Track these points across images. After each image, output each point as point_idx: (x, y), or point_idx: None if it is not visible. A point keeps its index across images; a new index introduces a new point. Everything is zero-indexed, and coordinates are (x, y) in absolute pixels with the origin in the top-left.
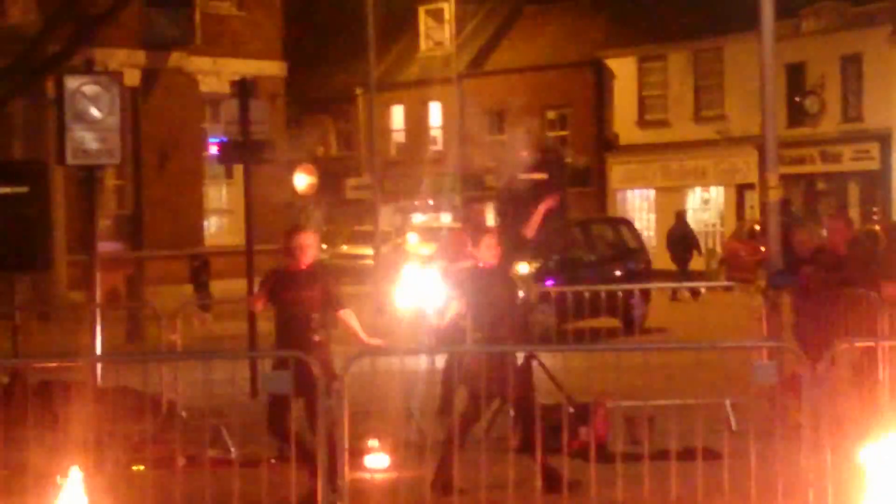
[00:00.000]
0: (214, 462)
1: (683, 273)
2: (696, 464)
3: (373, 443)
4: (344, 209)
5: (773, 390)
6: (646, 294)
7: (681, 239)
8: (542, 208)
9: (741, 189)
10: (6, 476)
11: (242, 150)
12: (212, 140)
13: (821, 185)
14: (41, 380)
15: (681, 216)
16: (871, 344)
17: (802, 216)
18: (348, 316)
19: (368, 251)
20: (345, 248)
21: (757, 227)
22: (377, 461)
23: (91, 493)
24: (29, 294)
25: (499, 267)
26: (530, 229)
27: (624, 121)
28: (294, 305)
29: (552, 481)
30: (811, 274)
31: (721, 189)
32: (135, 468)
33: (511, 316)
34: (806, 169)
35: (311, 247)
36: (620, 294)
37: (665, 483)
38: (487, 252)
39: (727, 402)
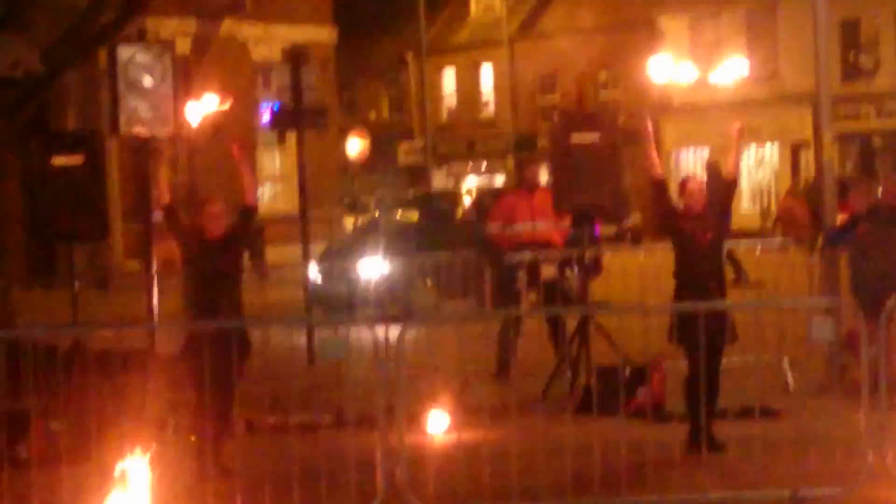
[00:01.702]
0: (274, 428)
1: None
2: (753, 422)
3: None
4: (397, 174)
5: (830, 348)
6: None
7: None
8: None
9: (796, 147)
10: (71, 446)
11: (295, 117)
12: (264, 107)
13: (877, 142)
14: (100, 349)
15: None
16: None
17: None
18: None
19: None
20: (399, 214)
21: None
22: (436, 424)
23: (153, 462)
24: (86, 263)
25: (702, 214)
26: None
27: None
28: (206, 274)
29: (714, 445)
30: (868, 230)
31: (776, 147)
32: (193, 436)
33: (712, 264)
34: (861, 125)
35: (220, 218)
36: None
37: (723, 442)
38: (690, 199)
39: (785, 361)
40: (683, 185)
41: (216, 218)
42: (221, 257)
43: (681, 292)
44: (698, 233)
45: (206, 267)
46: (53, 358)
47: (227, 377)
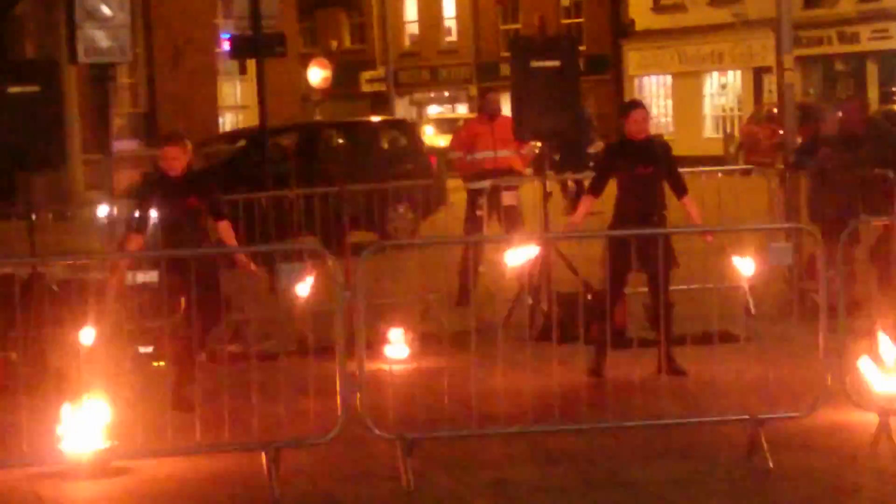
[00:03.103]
0: (234, 356)
1: None
2: (713, 347)
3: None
4: (359, 102)
5: (790, 273)
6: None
7: None
8: None
9: (758, 72)
10: (28, 374)
11: (254, 45)
12: (224, 35)
13: (839, 66)
14: (60, 279)
15: None
16: (887, 223)
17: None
18: (224, 229)
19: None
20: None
21: (775, 111)
22: (396, 352)
23: (111, 390)
24: (45, 194)
25: (645, 144)
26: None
27: (639, 6)
28: (169, 213)
29: (675, 370)
30: (828, 155)
31: (738, 73)
32: (155, 364)
33: (652, 194)
34: (823, 50)
35: (176, 159)
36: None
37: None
38: (634, 126)
39: (745, 286)
40: (627, 110)
41: (173, 159)
42: (180, 194)
43: (619, 222)
44: (640, 163)
45: (166, 202)
46: (11, 288)
47: (200, 307)
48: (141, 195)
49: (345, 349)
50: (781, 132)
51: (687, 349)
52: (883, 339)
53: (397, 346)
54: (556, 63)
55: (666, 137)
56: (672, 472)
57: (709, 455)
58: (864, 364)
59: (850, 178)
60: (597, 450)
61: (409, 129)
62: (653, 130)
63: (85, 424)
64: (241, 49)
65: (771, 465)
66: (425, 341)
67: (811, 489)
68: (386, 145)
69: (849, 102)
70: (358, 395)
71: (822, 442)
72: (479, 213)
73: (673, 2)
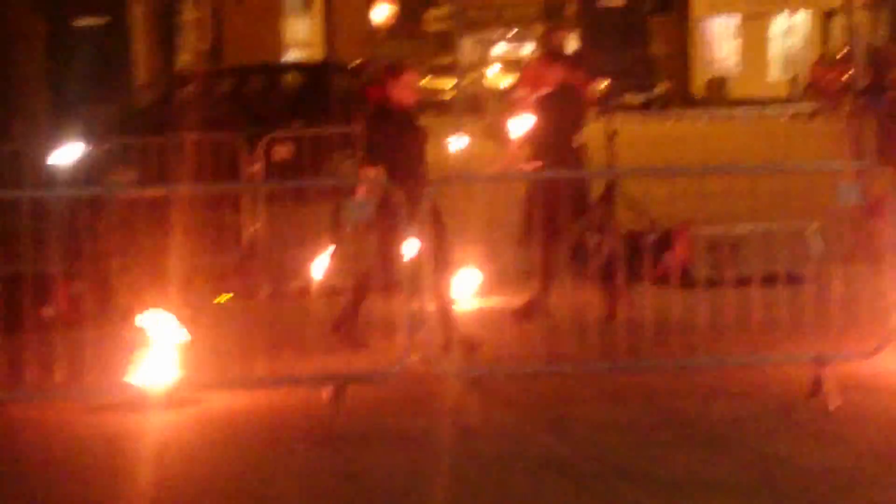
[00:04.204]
0: (298, 293)
1: None
2: (778, 289)
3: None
4: (424, 41)
5: (857, 214)
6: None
7: None
8: None
9: (827, 14)
10: (93, 309)
11: None
12: None
13: None
14: (126, 213)
15: None
16: None
17: None
18: None
19: (449, 84)
20: (425, 82)
21: (846, 50)
22: (460, 289)
23: (177, 324)
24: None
25: (569, 88)
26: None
27: None
28: (402, 146)
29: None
30: (894, 99)
31: (807, 14)
32: (218, 299)
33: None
34: None
35: (415, 86)
36: None
37: (747, 309)
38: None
39: (811, 227)
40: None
41: (413, 86)
42: (412, 128)
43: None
44: (567, 104)
45: (400, 136)
46: (77, 219)
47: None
48: (372, 126)
49: (409, 285)
50: (850, 73)
51: (752, 290)
52: None
53: (462, 284)
54: (623, 2)
55: (732, 79)
56: (733, 412)
57: (771, 395)
58: None
59: None
60: (660, 389)
61: (353, 74)
62: (718, 73)
63: (152, 356)
64: None
65: (832, 406)
66: (489, 279)
67: (873, 430)
68: (328, 89)
69: None
70: (422, 331)
71: (886, 383)
72: None
73: None
